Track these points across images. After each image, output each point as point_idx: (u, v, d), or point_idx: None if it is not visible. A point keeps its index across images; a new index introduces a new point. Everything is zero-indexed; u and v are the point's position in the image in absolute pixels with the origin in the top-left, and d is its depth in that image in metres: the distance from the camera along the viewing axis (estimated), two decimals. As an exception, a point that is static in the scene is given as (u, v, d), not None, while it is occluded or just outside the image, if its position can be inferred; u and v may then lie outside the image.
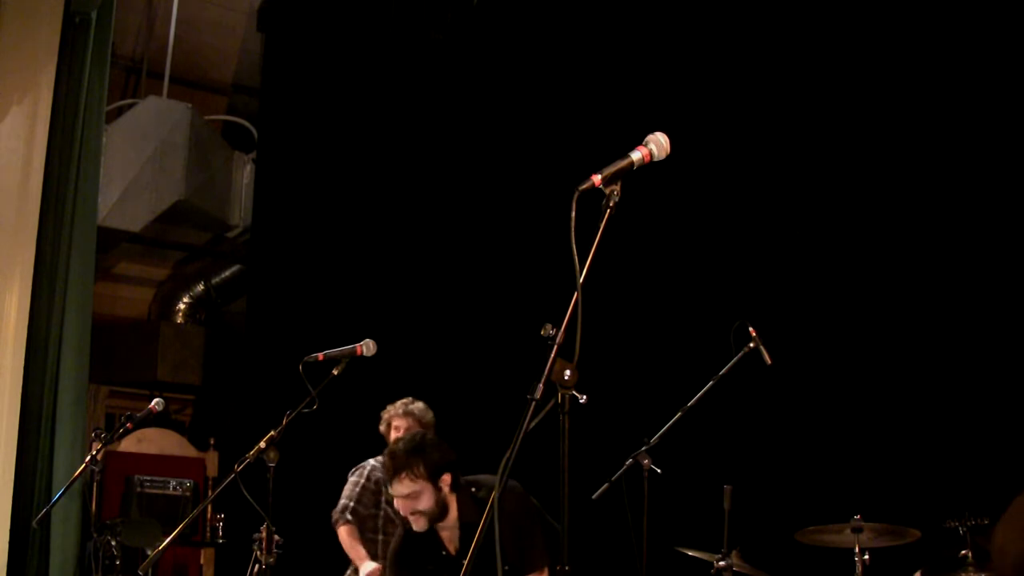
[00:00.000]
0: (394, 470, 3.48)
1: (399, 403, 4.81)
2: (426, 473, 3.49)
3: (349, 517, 4.60)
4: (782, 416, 5.01)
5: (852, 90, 5.21)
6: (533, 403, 2.07)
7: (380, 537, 4.61)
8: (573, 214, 2.04)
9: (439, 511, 3.56)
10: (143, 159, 8.07)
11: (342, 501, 4.68)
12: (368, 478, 4.71)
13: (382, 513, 4.64)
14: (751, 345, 3.93)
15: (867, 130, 5.16)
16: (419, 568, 3.69)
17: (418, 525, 3.55)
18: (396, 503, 3.59)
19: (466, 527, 3.58)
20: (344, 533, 4.59)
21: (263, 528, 3.73)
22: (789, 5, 5.43)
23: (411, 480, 3.47)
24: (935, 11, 4.83)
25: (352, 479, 4.75)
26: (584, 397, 2.13)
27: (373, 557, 4.49)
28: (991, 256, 4.62)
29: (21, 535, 5.55)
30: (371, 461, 4.77)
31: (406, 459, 3.48)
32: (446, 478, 3.54)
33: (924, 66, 4.91)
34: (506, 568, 3.33)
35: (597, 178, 2.11)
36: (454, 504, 3.61)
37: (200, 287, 9.38)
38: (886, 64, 5.08)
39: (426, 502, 3.49)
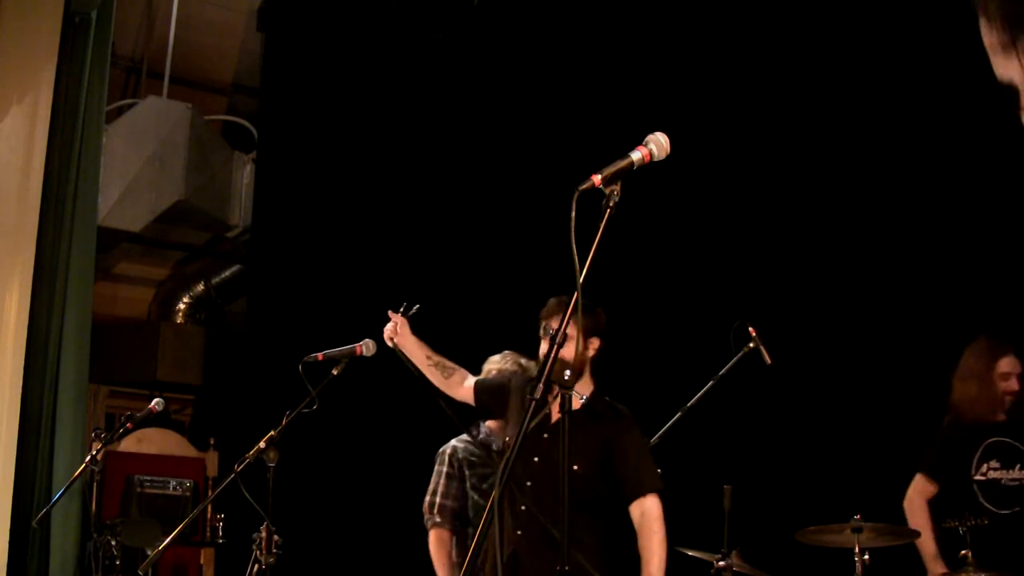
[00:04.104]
0: (556, 308, 3.40)
1: (509, 359, 4.15)
2: (583, 323, 3.30)
3: (438, 519, 4.06)
4: (782, 416, 5.01)
5: (853, 91, 5.21)
6: (533, 403, 2.07)
7: (470, 530, 4.07)
8: (573, 214, 2.04)
9: (577, 368, 3.27)
10: (143, 159, 8.07)
11: (427, 497, 4.11)
12: (451, 463, 4.14)
13: (470, 502, 4.08)
14: (751, 345, 3.94)
15: (868, 131, 5.16)
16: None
17: (555, 373, 3.39)
18: (542, 345, 3.42)
19: (578, 413, 3.35)
20: (431, 541, 4.06)
21: (263, 528, 3.73)
22: (789, 5, 5.43)
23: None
24: (934, 13, 4.83)
25: (436, 468, 4.17)
26: (584, 397, 2.13)
27: (463, 552, 4.03)
28: (989, 255, 4.62)
29: (21, 535, 5.55)
30: (452, 442, 4.21)
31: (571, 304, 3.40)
32: (595, 342, 3.43)
33: (925, 66, 4.91)
34: (574, 468, 3.29)
35: (597, 178, 2.11)
36: (588, 379, 3.45)
37: (200, 287, 9.38)
38: (887, 65, 5.09)
39: (569, 351, 3.22)
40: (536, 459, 3.34)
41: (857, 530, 3.61)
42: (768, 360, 3.92)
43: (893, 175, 5.05)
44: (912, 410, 4.61)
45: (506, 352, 4.17)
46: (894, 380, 4.78)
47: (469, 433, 4.17)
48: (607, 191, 2.12)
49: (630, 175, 2.16)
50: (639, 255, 5.43)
